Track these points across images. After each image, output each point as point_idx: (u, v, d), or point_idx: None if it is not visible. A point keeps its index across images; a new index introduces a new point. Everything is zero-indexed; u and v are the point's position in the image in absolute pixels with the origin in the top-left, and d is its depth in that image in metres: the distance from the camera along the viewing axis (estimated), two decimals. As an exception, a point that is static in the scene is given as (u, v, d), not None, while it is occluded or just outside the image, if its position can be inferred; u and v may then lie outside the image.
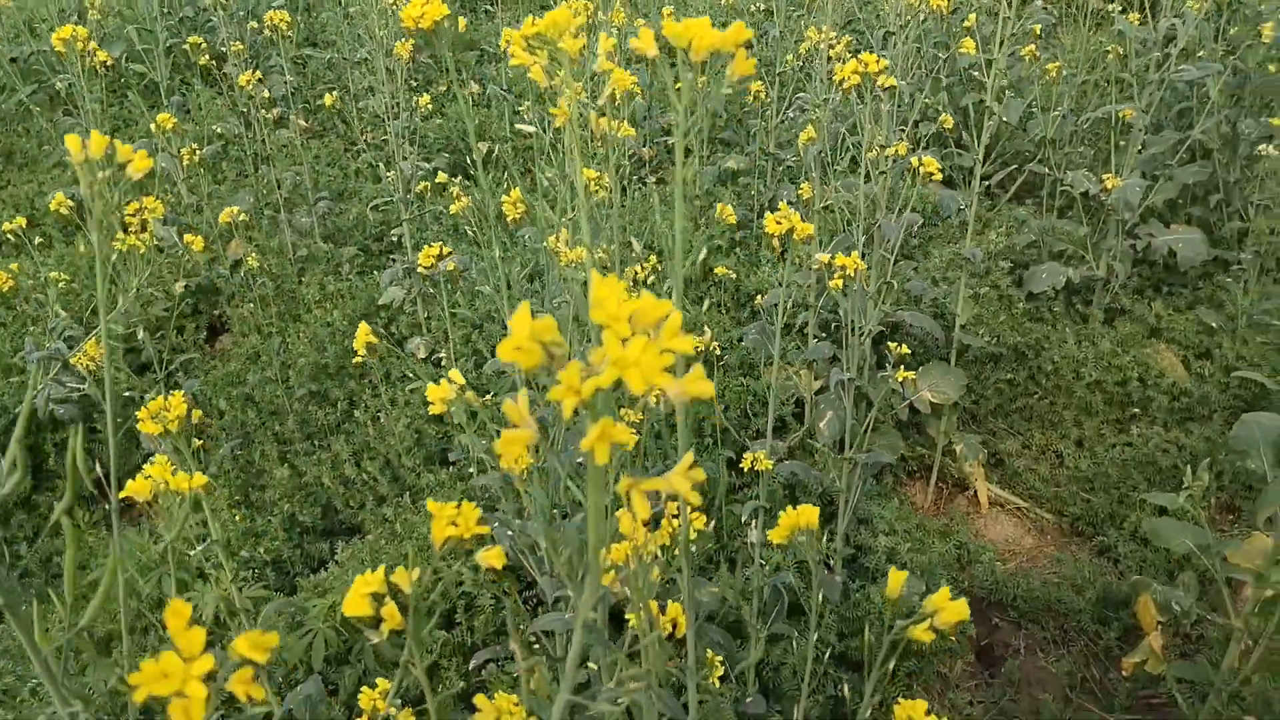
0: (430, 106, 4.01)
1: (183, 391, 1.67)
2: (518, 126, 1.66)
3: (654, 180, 4.98)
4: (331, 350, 3.58)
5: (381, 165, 4.32)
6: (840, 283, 2.27)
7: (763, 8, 5.53)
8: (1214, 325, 3.35)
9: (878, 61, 1.91)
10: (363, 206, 4.43)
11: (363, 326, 1.79)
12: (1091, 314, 3.49)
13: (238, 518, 2.96)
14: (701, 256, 3.89)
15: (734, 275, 3.73)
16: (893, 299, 3.09)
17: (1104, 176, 3.19)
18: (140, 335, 2.97)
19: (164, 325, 3.88)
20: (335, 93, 3.79)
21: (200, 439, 1.79)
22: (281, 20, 3.68)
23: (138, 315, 3.41)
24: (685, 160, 5.04)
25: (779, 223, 1.69)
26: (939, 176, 2.15)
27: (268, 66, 5.36)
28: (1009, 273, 3.59)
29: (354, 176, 4.84)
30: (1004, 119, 4.11)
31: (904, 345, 2.50)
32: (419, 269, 2.86)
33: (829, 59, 3.12)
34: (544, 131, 2.32)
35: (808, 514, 1.19)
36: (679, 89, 0.87)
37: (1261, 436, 2.20)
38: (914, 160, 2.14)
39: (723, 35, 0.81)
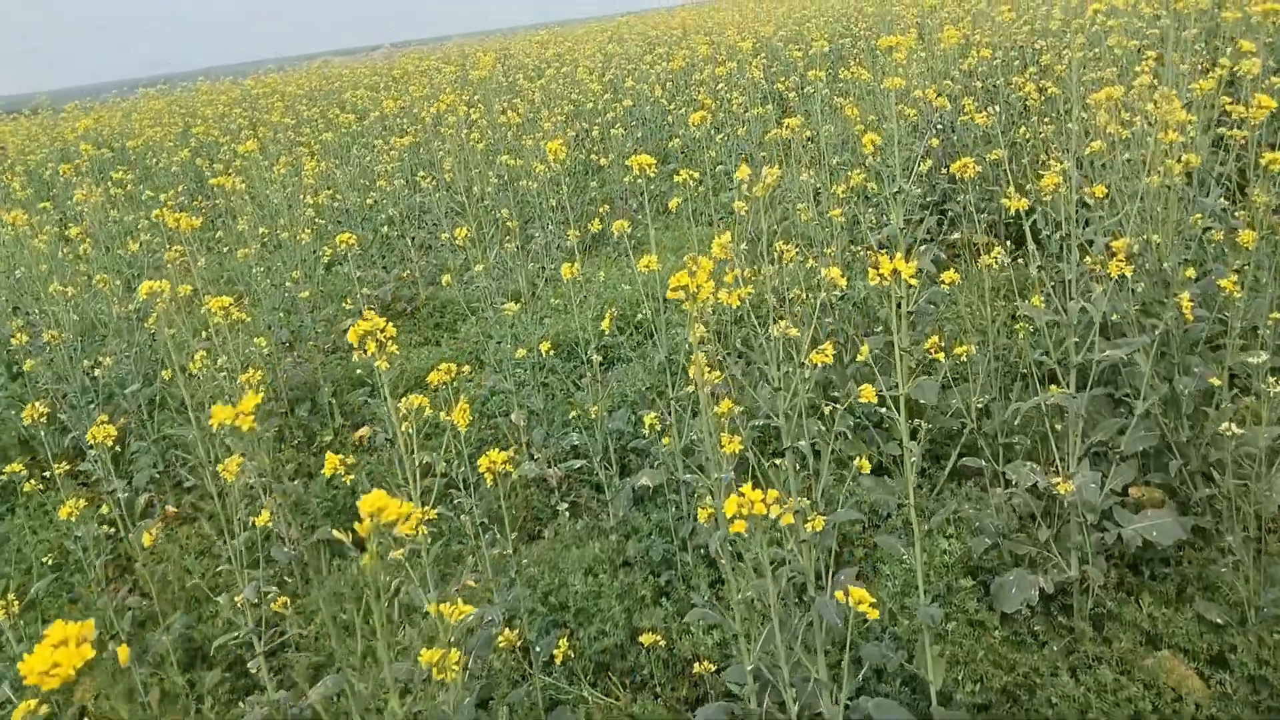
0: (294, 467, 3.55)
1: None
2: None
3: (565, 509, 4.50)
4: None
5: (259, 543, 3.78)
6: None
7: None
8: (1219, 621, 2.87)
9: (764, 498, 1.49)
10: (232, 605, 3.83)
11: None
12: (1077, 626, 2.99)
13: None
14: (623, 619, 3.33)
15: (662, 641, 3.14)
16: (853, 684, 2.56)
17: (1054, 481, 2.79)
18: None
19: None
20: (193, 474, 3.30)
21: None
22: (106, 436, 3.22)
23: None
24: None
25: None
26: (871, 607, 1.68)
27: (131, 453, 4.90)
28: (972, 590, 3.11)
29: (226, 566, 4.26)
30: (921, 400, 3.79)
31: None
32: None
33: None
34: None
35: None
36: None
37: None
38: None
39: None
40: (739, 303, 2.07)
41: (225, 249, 6.56)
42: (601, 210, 7.86)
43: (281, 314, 5.57)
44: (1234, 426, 2.62)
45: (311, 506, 4.60)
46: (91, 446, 3.19)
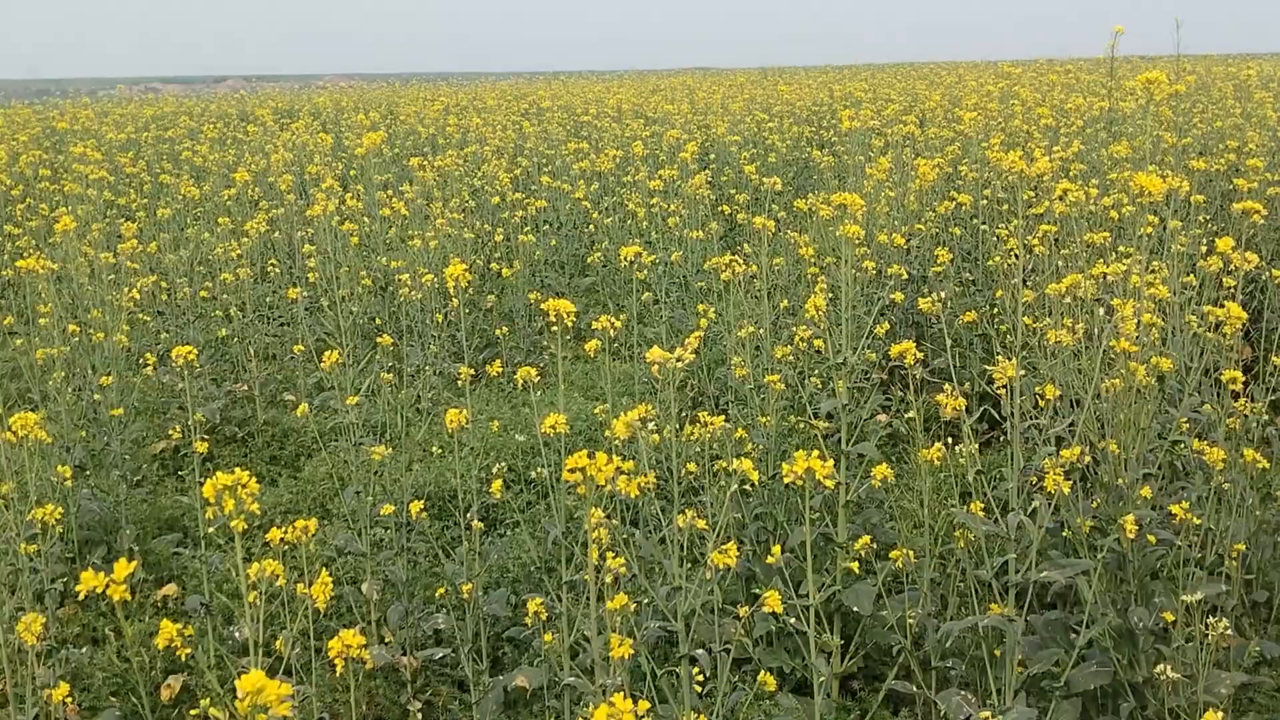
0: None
1: None
2: None
3: (418, 709, 4.77)
4: None
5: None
6: None
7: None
8: None
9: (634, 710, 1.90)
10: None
11: None
12: None
13: None
14: None
15: None
16: None
17: (984, 717, 3.26)
18: None
19: None
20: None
21: None
22: None
23: None
24: None
25: None
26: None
27: None
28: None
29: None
30: (855, 608, 4.26)
31: None
32: None
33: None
34: None
35: None
36: None
37: None
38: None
39: None
40: (638, 493, 2.51)
41: (17, 339, 6.85)
42: (499, 332, 8.36)
43: (83, 432, 5.84)
44: (1169, 670, 3.13)
45: (95, 681, 4.80)
46: None
